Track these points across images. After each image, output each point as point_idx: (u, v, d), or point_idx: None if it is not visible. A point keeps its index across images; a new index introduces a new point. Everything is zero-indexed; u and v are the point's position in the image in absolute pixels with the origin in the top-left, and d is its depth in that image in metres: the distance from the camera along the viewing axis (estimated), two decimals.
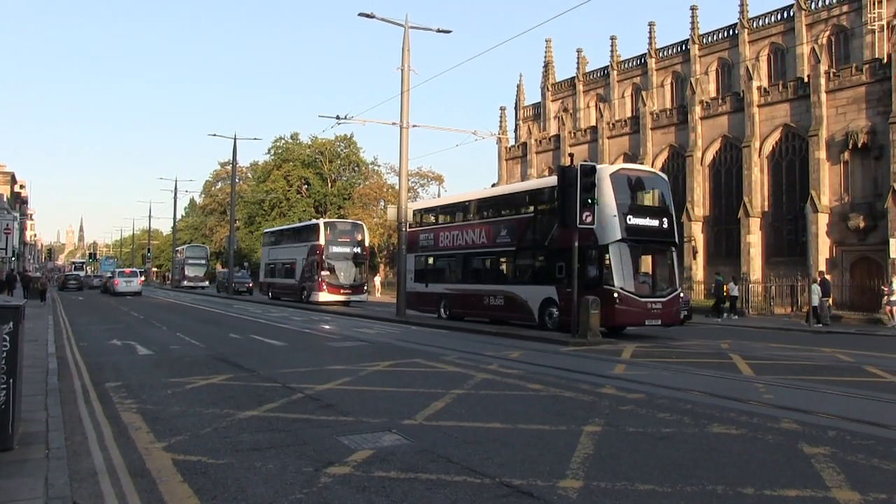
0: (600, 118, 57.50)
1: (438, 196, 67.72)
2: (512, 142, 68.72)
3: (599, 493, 5.63)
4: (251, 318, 27.98)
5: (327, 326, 24.08)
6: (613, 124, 56.38)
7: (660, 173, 23.96)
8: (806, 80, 42.65)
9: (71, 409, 8.99)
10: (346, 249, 39.22)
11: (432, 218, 29.87)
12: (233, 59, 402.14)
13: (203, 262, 75.40)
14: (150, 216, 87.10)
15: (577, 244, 18.30)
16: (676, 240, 21.77)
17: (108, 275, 72.07)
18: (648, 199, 21.58)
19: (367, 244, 41.95)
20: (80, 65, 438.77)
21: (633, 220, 19.80)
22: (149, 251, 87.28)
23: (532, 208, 23.26)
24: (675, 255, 21.14)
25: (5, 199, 62.72)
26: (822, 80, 40.95)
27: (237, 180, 71.35)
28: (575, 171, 17.80)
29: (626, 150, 54.76)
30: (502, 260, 24.52)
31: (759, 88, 45.27)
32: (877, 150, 38.15)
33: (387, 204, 57.70)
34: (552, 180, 25.23)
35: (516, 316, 22.89)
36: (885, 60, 38.89)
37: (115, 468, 6.37)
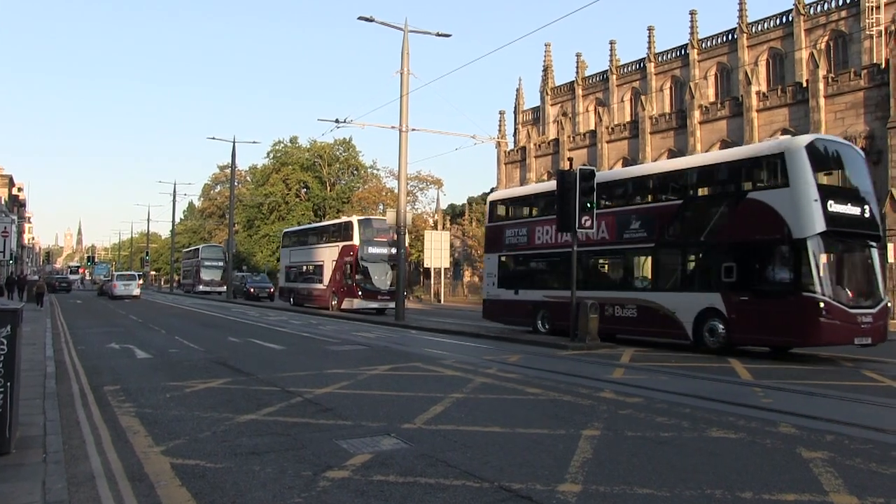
0: (599, 122, 57.63)
1: (437, 200, 67.81)
2: (511, 146, 68.84)
3: (598, 498, 5.63)
4: (250, 322, 27.96)
5: (326, 329, 24.06)
6: (612, 128, 56.49)
7: (856, 147, 18.95)
8: (805, 84, 42.79)
9: (69, 413, 8.98)
10: (384, 250, 34.15)
11: (525, 210, 24.48)
12: (232, 63, 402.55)
13: (220, 263, 66.78)
14: (148, 219, 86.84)
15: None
16: (881, 233, 17.98)
17: (102, 278, 72.18)
18: (847, 178, 17.04)
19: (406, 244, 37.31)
20: (78, 68, 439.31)
21: (834, 208, 15.60)
22: (147, 254, 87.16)
23: (681, 194, 18.97)
24: (877, 253, 16.87)
25: (3, 202, 62.83)
26: (821, 85, 41.08)
27: (236, 184, 71.39)
28: (574, 176, 17.80)
29: (625, 155, 54.90)
30: (634, 260, 19.90)
31: (757, 93, 45.40)
32: (875, 155, 38.24)
33: (386, 208, 57.56)
34: (712, 156, 23.37)
35: (656, 331, 18.82)
36: (884, 66, 39.03)
37: (113, 472, 6.36)
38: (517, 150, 66.61)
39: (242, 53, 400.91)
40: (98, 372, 13.05)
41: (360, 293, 33.52)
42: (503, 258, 23.84)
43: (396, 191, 32.41)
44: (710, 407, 9.65)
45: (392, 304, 31.20)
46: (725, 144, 46.58)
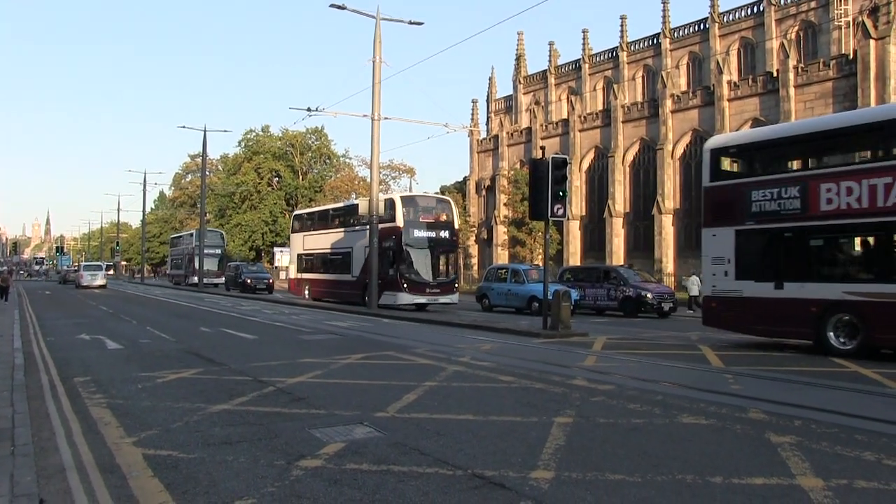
0: (572, 111, 57.80)
1: (410, 189, 67.62)
2: (484, 134, 68.88)
3: (571, 484, 5.68)
4: (222, 312, 27.78)
5: (298, 319, 23.97)
6: (585, 117, 56.70)
7: None
8: (775, 74, 43.25)
9: (38, 405, 8.85)
10: (432, 234, 28.99)
11: (793, 162, 17.34)
12: (203, 50, 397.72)
13: (219, 251, 59.85)
14: (118, 209, 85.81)
15: None
16: None
17: (66, 269, 71.63)
18: None
19: (456, 226, 31.46)
20: (44, 55, 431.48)
21: None
22: (118, 244, 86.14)
23: None
24: None
25: None
26: (791, 75, 41.54)
27: (207, 173, 70.74)
28: (546, 164, 17.87)
29: (597, 143, 55.18)
30: None
31: (729, 82, 45.81)
32: None
33: (358, 196, 57.31)
34: None
35: None
36: (851, 57, 39.54)
37: (84, 464, 6.28)
38: (490, 139, 66.64)
39: (213, 40, 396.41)
40: (68, 363, 12.89)
41: (404, 286, 27.95)
42: (748, 233, 15.89)
43: (369, 180, 32.32)
44: (682, 394, 9.77)
45: (445, 299, 28.60)
46: (697, 134, 46.98)
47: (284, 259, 60.18)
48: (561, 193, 17.87)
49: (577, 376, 11.37)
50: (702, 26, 54.18)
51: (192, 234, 60.90)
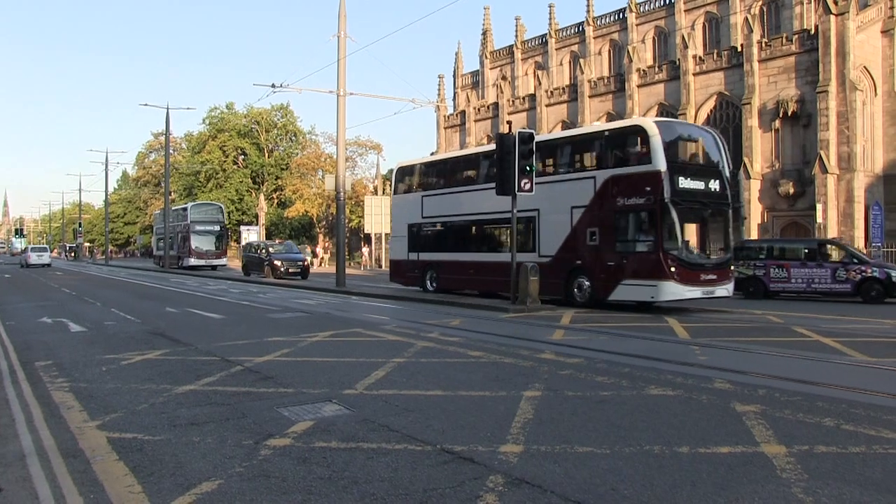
0: (538, 86, 57.71)
1: (377, 166, 67.09)
2: (451, 110, 68.56)
3: (539, 457, 5.70)
4: (188, 292, 27.47)
5: (266, 297, 23.78)
6: (552, 92, 56.65)
7: None
8: (739, 49, 43.46)
9: None
10: (702, 185, 18.34)
11: None
12: (164, 26, 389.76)
13: (217, 228, 51.41)
14: (80, 189, 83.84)
15: None
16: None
17: (20, 250, 72.15)
18: None
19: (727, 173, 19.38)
20: None
21: None
22: (80, 225, 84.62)
23: None
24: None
25: None
26: (755, 50, 41.79)
27: (172, 151, 69.69)
28: (513, 139, 17.84)
29: (564, 118, 55.16)
30: None
31: (694, 57, 45.97)
32: (805, 119, 39.34)
33: (325, 174, 56.76)
34: None
35: None
36: (813, 31, 39.88)
37: (46, 449, 6.16)
38: (457, 115, 66.36)
39: (175, 16, 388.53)
40: (29, 347, 12.64)
41: (673, 270, 17.23)
42: None
43: (335, 156, 32.02)
44: (649, 365, 9.86)
45: (720, 291, 18.30)
46: (664, 108, 47.17)
47: (251, 236, 59.59)
48: (528, 168, 17.88)
49: (546, 350, 11.43)
50: (667, 1, 54.25)
51: (185, 209, 53.21)
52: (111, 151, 79.68)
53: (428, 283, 24.69)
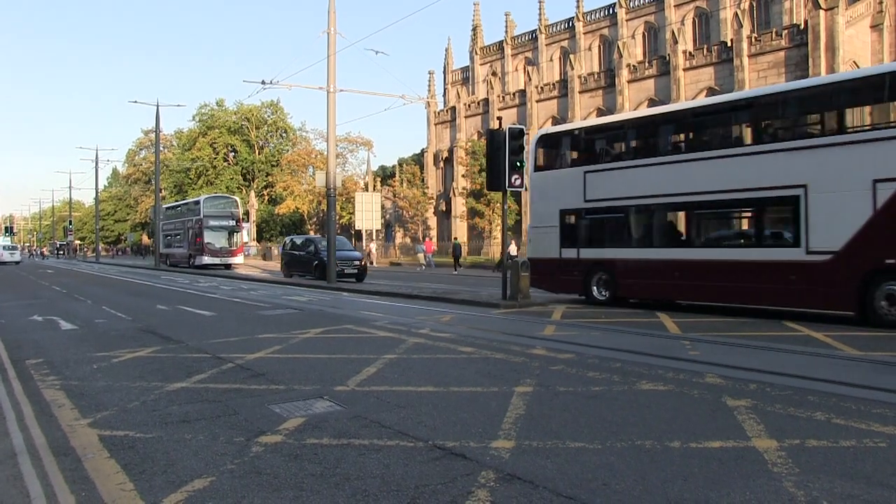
0: (529, 82, 57.77)
1: (367, 162, 66.96)
2: (441, 106, 68.58)
3: (531, 452, 5.71)
4: (178, 289, 27.38)
5: (257, 294, 23.72)
6: (542, 88, 56.72)
7: None
8: (729, 44, 43.61)
9: None
10: None
11: None
12: (154, 22, 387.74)
13: (232, 223, 47.28)
14: (70, 187, 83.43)
15: None
16: None
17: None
18: None
19: None
20: None
21: None
22: (70, 223, 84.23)
23: None
24: None
25: None
26: (745, 45, 41.95)
27: (162, 148, 69.38)
28: (503, 135, 17.85)
29: (554, 114, 55.23)
30: None
31: (684, 52, 46.11)
32: None
33: (315, 170, 56.59)
34: None
35: None
36: (803, 27, 40.05)
37: (37, 448, 6.14)
38: (447, 111, 66.36)
39: (165, 13, 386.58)
40: (19, 345, 12.58)
41: None
42: None
43: (326, 153, 31.94)
44: (640, 361, 9.88)
45: None
46: (654, 103, 47.28)
47: (244, 234, 59.25)
48: (518, 164, 17.89)
49: (537, 346, 11.45)
50: None
51: (198, 202, 49.32)
52: (101, 149, 79.17)
53: (595, 289, 18.59)
